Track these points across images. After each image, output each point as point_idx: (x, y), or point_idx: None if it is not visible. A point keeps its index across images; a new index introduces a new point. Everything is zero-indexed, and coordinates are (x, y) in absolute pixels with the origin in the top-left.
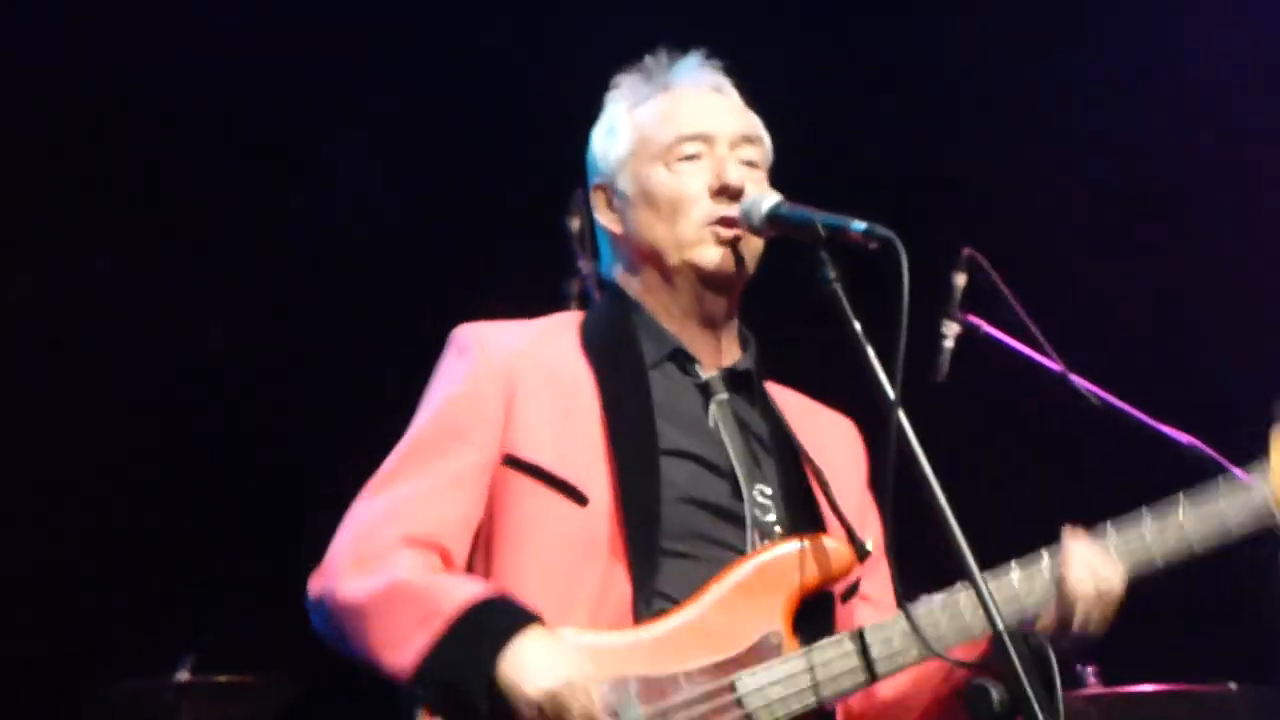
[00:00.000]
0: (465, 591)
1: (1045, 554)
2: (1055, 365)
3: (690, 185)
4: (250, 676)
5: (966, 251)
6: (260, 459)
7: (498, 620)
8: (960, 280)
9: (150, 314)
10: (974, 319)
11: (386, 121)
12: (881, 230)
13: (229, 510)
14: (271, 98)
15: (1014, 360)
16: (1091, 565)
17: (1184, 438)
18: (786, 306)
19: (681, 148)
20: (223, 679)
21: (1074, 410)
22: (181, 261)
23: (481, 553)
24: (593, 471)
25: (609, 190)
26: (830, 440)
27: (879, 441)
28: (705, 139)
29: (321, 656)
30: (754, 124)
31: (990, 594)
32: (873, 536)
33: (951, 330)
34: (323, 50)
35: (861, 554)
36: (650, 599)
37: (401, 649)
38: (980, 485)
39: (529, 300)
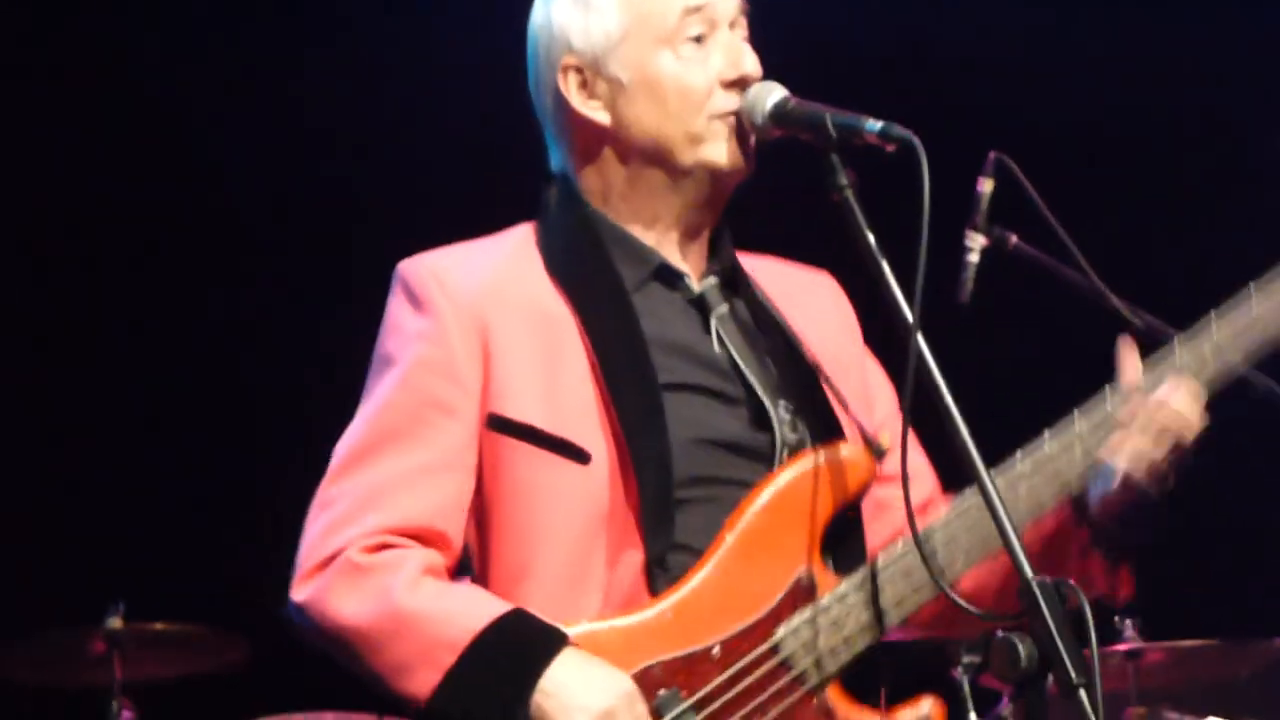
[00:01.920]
0: (479, 614)
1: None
2: (1093, 283)
3: (701, 75)
4: (190, 625)
5: (993, 155)
6: (192, 403)
7: (516, 650)
8: (986, 187)
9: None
10: (1003, 231)
11: None
12: (899, 131)
13: (165, 452)
14: None
15: (1048, 277)
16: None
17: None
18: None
19: (687, 27)
20: (159, 627)
21: (1114, 333)
22: None
23: (476, 531)
24: (590, 424)
25: (589, 73)
26: (816, 308)
27: (896, 366)
28: (708, 15)
29: (269, 611)
30: None
31: (1014, 533)
32: (883, 407)
33: (977, 243)
34: None
35: (878, 453)
36: (664, 561)
37: (411, 680)
38: (1008, 416)
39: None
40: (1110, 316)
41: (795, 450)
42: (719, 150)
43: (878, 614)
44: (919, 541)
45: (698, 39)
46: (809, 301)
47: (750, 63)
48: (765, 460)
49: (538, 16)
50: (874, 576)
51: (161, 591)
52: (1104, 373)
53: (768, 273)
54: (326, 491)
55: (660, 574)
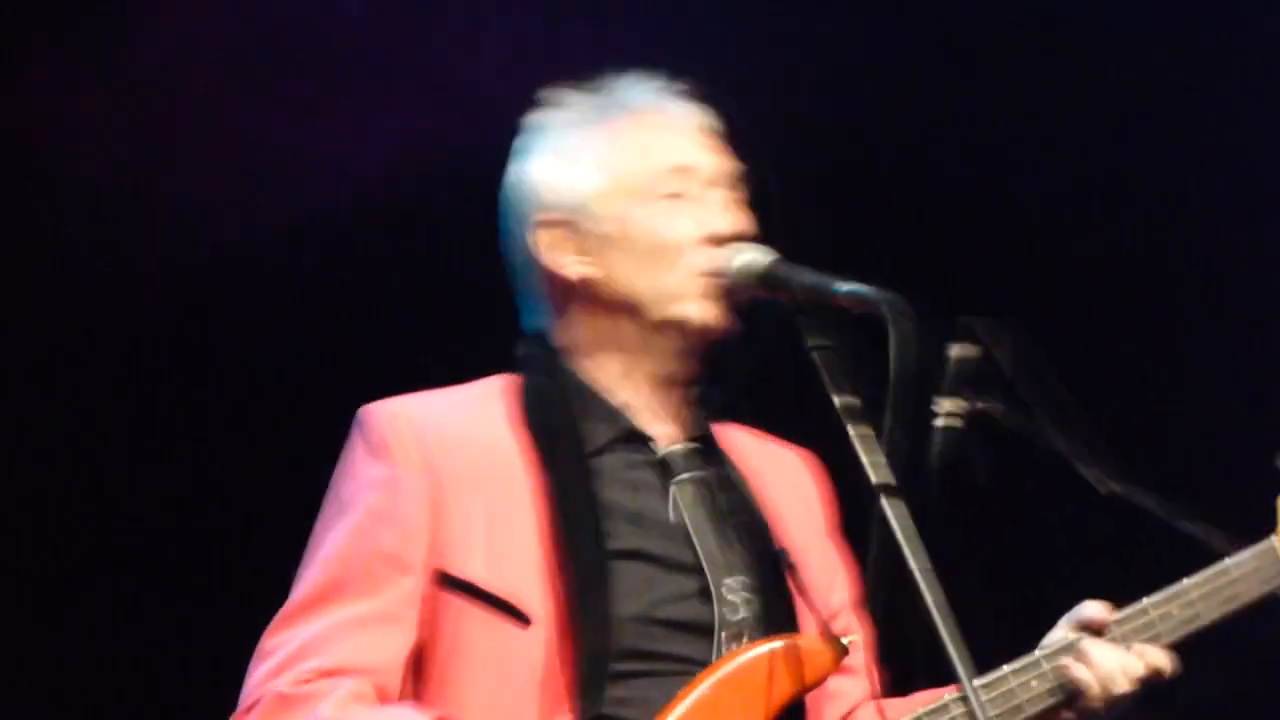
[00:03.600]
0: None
1: (1039, 653)
2: (1064, 448)
3: (679, 230)
4: None
5: (963, 318)
6: None
7: None
8: (957, 353)
9: None
10: (974, 395)
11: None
12: (869, 293)
13: None
14: None
15: (1019, 442)
16: (1110, 663)
17: (1203, 531)
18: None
19: (667, 183)
20: None
21: (1085, 497)
22: None
23: (413, 684)
24: (534, 586)
25: (563, 229)
26: (786, 486)
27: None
28: (693, 174)
29: None
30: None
31: (983, 706)
32: (841, 594)
33: (945, 409)
34: None
35: (841, 653)
36: None
37: None
38: (976, 581)
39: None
40: (1087, 483)
41: (735, 630)
42: (693, 307)
43: None
44: None
45: (680, 196)
46: (781, 478)
47: (730, 221)
48: (705, 637)
49: (511, 175)
50: None
51: None
52: (1082, 538)
53: (745, 445)
54: (269, 640)
55: None
